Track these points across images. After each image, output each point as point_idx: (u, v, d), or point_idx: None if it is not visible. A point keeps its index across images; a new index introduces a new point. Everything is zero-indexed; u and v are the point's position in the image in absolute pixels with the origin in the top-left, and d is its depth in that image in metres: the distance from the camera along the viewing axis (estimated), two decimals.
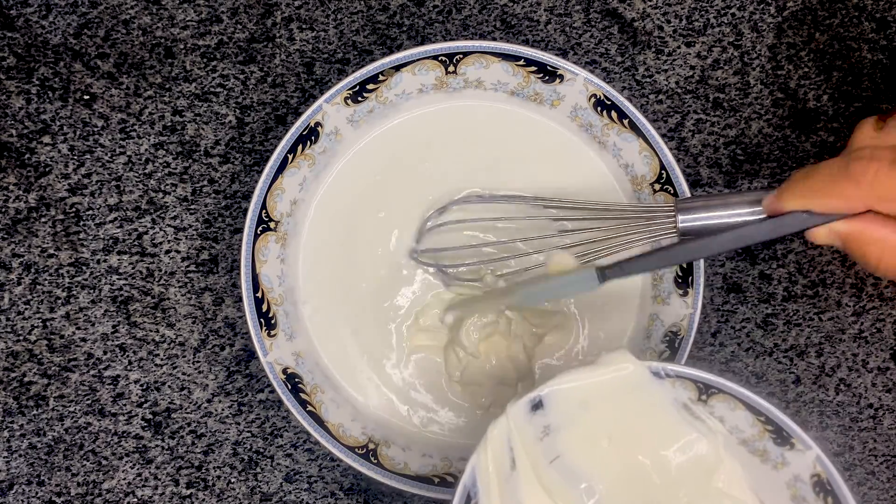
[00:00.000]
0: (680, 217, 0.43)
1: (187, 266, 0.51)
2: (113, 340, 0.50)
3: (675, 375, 0.39)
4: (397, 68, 0.47)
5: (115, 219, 0.51)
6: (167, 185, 0.51)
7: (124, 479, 0.49)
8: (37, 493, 0.49)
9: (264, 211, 0.46)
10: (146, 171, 0.51)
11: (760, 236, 0.38)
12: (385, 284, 0.48)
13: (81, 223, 0.51)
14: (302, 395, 0.46)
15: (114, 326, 0.50)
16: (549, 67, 0.47)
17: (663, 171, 0.47)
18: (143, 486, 0.49)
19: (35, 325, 0.50)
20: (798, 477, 0.38)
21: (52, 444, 0.49)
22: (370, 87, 0.47)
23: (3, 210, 0.51)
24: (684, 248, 0.40)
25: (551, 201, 0.47)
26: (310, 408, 0.46)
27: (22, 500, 0.49)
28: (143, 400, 0.50)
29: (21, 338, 0.50)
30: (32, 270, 0.50)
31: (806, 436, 0.38)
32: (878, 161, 0.34)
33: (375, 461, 0.45)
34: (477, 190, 0.49)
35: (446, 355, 0.48)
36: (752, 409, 0.38)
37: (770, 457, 0.39)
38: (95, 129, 0.51)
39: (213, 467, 0.49)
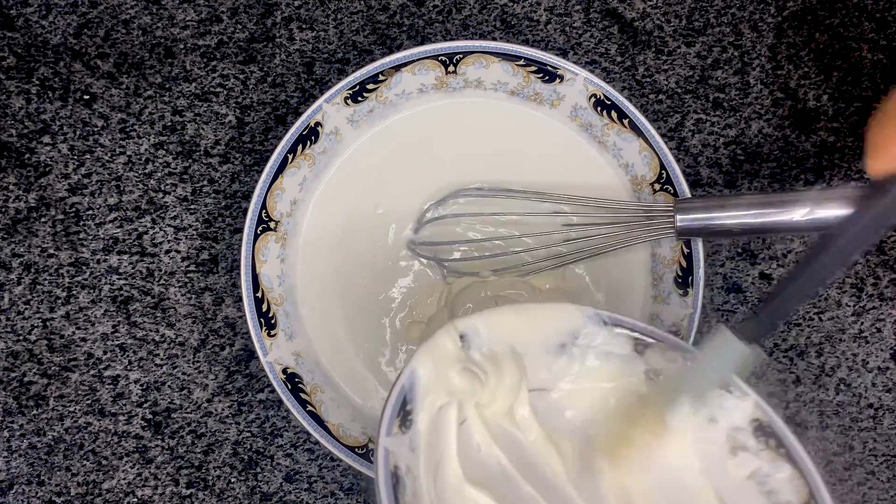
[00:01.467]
0: (678, 217, 0.43)
1: (187, 266, 0.51)
2: (113, 340, 0.50)
3: (613, 324, 0.38)
4: (397, 68, 0.47)
5: (115, 219, 0.51)
6: (167, 185, 0.51)
7: (124, 479, 0.49)
8: (37, 493, 0.49)
9: (264, 211, 0.47)
10: (146, 171, 0.51)
11: (889, 213, 0.33)
12: (381, 277, 0.49)
13: (81, 223, 0.51)
14: (302, 395, 0.46)
15: (114, 326, 0.50)
16: (549, 67, 0.47)
17: (663, 171, 0.47)
18: (143, 486, 0.49)
19: (35, 325, 0.50)
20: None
21: (52, 444, 0.49)
22: (370, 87, 0.47)
23: (3, 210, 0.51)
24: (824, 257, 0.34)
25: (550, 196, 0.47)
26: (310, 408, 0.46)
27: (22, 500, 0.49)
28: (143, 400, 0.50)
29: (21, 338, 0.50)
30: (32, 270, 0.50)
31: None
32: None
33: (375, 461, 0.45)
34: (476, 184, 0.49)
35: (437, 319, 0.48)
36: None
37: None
38: (95, 129, 0.51)
39: (213, 467, 0.49)
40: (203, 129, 0.51)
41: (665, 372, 0.38)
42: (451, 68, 0.48)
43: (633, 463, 0.38)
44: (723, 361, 0.36)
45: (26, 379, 0.50)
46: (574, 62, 0.48)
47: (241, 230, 0.49)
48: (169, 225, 0.51)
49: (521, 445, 0.39)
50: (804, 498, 0.35)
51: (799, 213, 0.41)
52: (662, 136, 0.47)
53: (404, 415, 0.34)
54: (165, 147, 0.51)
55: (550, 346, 0.39)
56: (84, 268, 0.50)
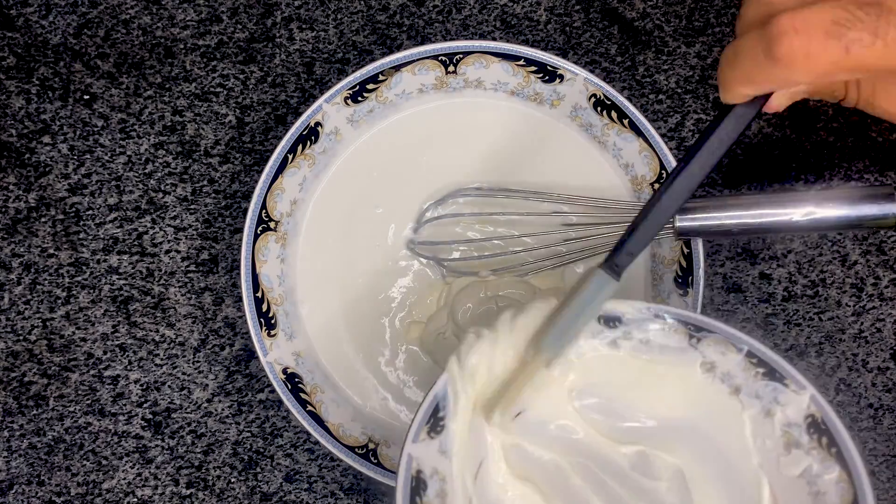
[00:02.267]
0: (678, 217, 0.43)
1: (187, 266, 0.51)
2: (113, 340, 0.50)
3: (666, 317, 0.38)
4: (397, 68, 0.47)
5: (115, 219, 0.51)
6: (167, 185, 0.51)
7: (124, 479, 0.49)
8: (37, 493, 0.49)
9: (264, 211, 0.47)
10: (146, 170, 0.51)
11: (728, 134, 0.35)
12: (380, 277, 0.49)
13: (81, 223, 0.51)
14: (302, 395, 0.46)
15: (114, 326, 0.50)
16: (549, 67, 0.47)
17: (663, 171, 0.47)
18: (143, 486, 0.49)
19: (35, 325, 0.50)
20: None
21: (52, 444, 0.49)
22: (370, 87, 0.47)
23: (3, 210, 0.51)
24: (670, 193, 0.37)
25: (549, 196, 0.47)
26: (310, 408, 0.46)
27: (22, 500, 0.49)
28: (143, 400, 0.50)
29: (21, 338, 0.50)
30: (32, 270, 0.50)
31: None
32: (806, 35, 0.28)
33: (375, 461, 0.45)
34: (476, 184, 0.49)
35: (437, 317, 0.48)
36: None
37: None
38: (95, 129, 0.51)
39: (213, 467, 0.49)
40: (203, 129, 0.51)
41: (718, 365, 0.38)
42: (451, 68, 0.48)
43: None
44: (594, 297, 0.37)
45: (26, 379, 0.50)
46: (574, 62, 0.48)
47: (241, 230, 0.49)
48: (169, 225, 0.51)
49: (570, 439, 0.40)
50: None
51: (798, 214, 0.41)
52: (662, 136, 0.47)
53: (435, 421, 0.36)
54: (165, 147, 0.51)
55: (602, 343, 0.39)
56: (84, 268, 0.50)
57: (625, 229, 0.38)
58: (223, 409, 0.50)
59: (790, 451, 0.37)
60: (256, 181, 0.46)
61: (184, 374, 0.50)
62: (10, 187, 0.51)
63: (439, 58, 0.47)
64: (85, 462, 0.49)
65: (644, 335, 0.39)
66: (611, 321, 0.38)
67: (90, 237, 0.51)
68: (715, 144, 0.36)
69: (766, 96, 0.34)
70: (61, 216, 0.51)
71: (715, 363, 0.38)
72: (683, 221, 0.43)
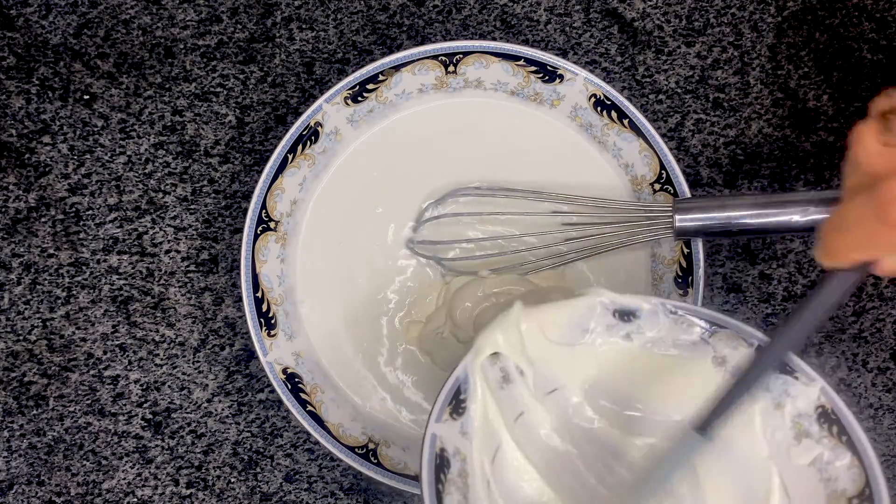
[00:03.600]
0: (677, 217, 0.43)
1: (187, 266, 0.51)
2: (113, 340, 0.50)
3: (677, 312, 0.39)
4: (397, 68, 0.47)
5: (115, 219, 0.51)
6: (167, 185, 0.51)
7: (124, 479, 0.49)
8: (37, 493, 0.49)
9: (264, 211, 0.47)
10: (146, 170, 0.51)
11: (833, 298, 0.35)
12: (379, 277, 0.49)
13: (81, 223, 0.51)
14: (302, 395, 0.46)
15: (114, 326, 0.50)
16: (549, 67, 0.47)
17: (663, 171, 0.47)
18: (143, 486, 0.49)
19: (35, 325, 0.50)
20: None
21: (52, 444, 0.49)
22: (370, 87, 0.47)
23: (3, 210, 0.51)
24: (773, 347, 0.36)
25: (549, 195, 0.47)
26: (310, 408, 0.46)
27: (22, 500, 0.49)
28: (143, 400, 0.50)
29: (21, 338, 0.50)
30: (32, 270, 0.50)
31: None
32: None
33: (375, 461, 0.45)
34: (475, 183, 0.49)
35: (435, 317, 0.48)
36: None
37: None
38: (95, 129, 0.51)
39: (213, 467, 0.49)
40: (203, 129, 0.51)
41: (729, 359, 0.39)
42: (451, 68, 0.48)
43: None
44: (682, 456, 0.37)
45: (26, 379, 0.50)
46: (574, 62, 0.48)
47: (241, 230, 0.49)
48: (169, 225, 0.51)
49: (583, 428, 0.41)
50: (860, 487, 0.36)
51: (798, 214, 0.41)
52: (662, 136, 0.47)
53: (457, 403, 0.37)
54: (165, 147, 0.51)
55: (615, 336, 0.40)
56: (84, 268, 0.50)
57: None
58: (223, 409, 0.50)
59: (800, 440, 0.37)
60: (256, 181, 0.46)
61: (184, 374, 0.50)
62: (10, 187, 0.51)
63: (439, 58, 0.47)
64: (85, 462, 0.49)
65: (658, 330, 0.39)
66: (626, 315, 0.39)
67: (90, 237, 0.51)
68: (819, 309, 0.35)
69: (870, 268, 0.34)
70: (61, 216, 0.51)
71: (726, 357, 0.39)
72: (683, 221, 0.43)
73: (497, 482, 0.38)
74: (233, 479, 0.49)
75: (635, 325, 0.39)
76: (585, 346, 0.40)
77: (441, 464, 0.36)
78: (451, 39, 0.51)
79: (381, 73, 0.47)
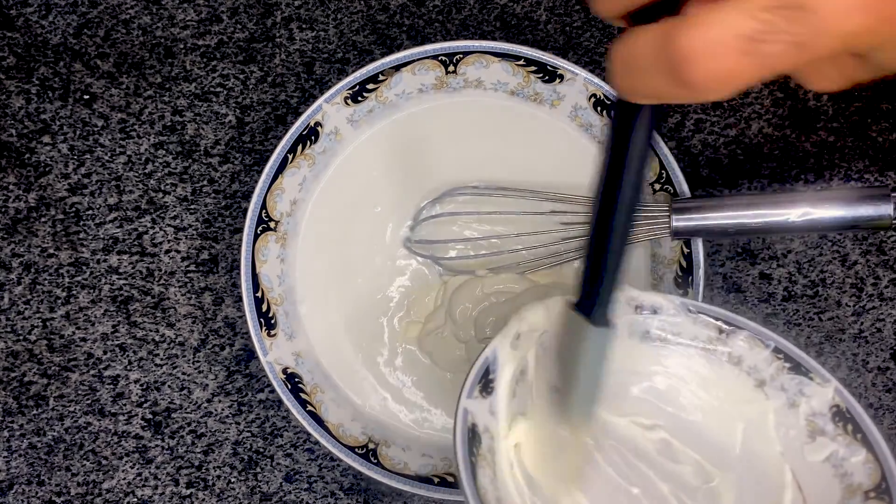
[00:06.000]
0: (674, 217, 0.43)
1: (187, 266, 0.51)
2: (113, 340, 0.50)
3: (697, 312, 0.40)
4: (397, 68, 0.47)
5: (115, 219, 0.51)
6: (167, 184, 0.51)
7: (124, 479, 0.49)
8: (37, 493, 0.49)
9: (264, 211, 0.47)
10: (146, 170, 0.51)
11: (644, 139, 0.29)
12: (379, 277, 0.49)
13: (81, 223, 0.51)
14: (302, 395, 0.46)
15: (114, 326, 0.50)
16: (549, 67, 0.47)
17: (663, 171, 0.47)
18: (143, 486, 0.49)
19: (35, 325, 0.50)
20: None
21: (52, 444, 0.49)
22: (370, 86, 0.47)
23: (3, 210, 0.51)
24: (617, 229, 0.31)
25: (546, 194, 0.47)
26: (310, 408, 0.46)
27: (22, 500, 0.49)
28: (143, 400, 0.50)
29: (21, 338, 0.50)
30: (32, 270, 0.50)
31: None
32: (719, 58, 0.22)
33: (375, 461, 0.45)
34: (474, 183, 0.49)
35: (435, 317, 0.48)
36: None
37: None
38: (95, 129, 0.51)
39: (213, 467, 0.49)
40: (203, 129, 0.51)
41: (742, 358, 0.40)
42: (451, 68, 0.48)
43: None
44: (599, 353, 0.36)
45: (26, 379, 0.50)
46: (574, 62, 0.48)
47: (241, 230, 0.49)
48: (169, 225, 0.51)
49: (600, 420, 0.41)
50: (876, 480, 0.37)
51: (795, 215, 0.41)
52: (662, 136, 0.47)
53: (486, 382, 0.37)
54: (165, 147, 0.51)
55: (634, 333, 0.41)
56: (84, 268, 0.50)
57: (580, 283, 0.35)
58: (223, 409, 0.50)
59: (815, 438, 0.38)
60: (256, 181, 0.46)
61: (184, 374, 0.50)
62: (10, 187, 0.51)
63: (439, 58, 0.47)
64: (85, 462, 0.49)
65: (676, 328, 0.40)
66: (645, 312, 0.40)
67: (90, 237, 0.51)
68: (636, 156, 0.29)
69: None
70: (61, 216, 0.51)
71: (742, 357, 0.40)
72: (679, 221, 0.43)
73: (519, 465, 0.39)
74: (233, 479, 0.49)
75: (656, 322, 0.40)
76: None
77: (473, 438, 0.36)
78: (451, 39, 0.51)
79: (381, 73, 0.47)
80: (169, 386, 0.50)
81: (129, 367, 0.50)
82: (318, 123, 0.47)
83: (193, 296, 0.50)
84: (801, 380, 0.38)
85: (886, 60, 0.25)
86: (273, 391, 0.49)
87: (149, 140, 0.51)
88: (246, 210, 0.46)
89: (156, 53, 0.52)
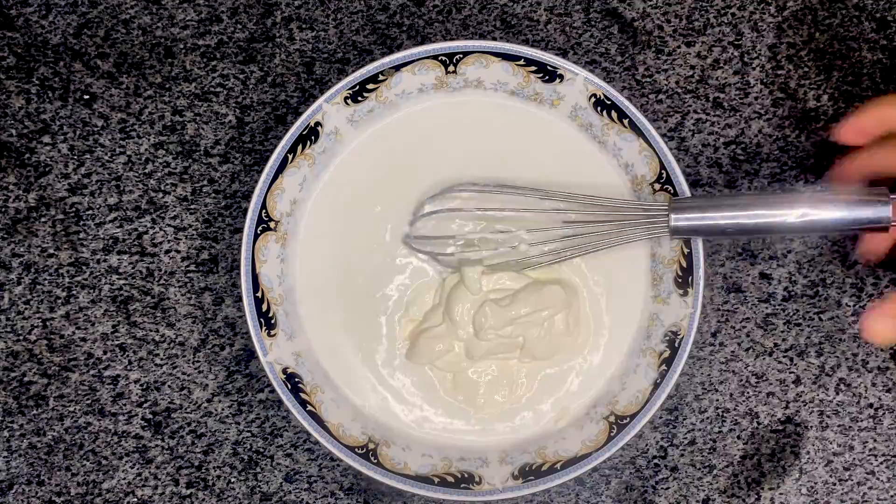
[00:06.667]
0: (673, 216, 0.43)
1: (187, 266, 0.51)
2: (113, 340, 0.50)
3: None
4: (397, 68, 0.47)
5: (115, 219, 0.51)
6: (167, 184, 0.51)
7: (124, 479, 0.49)
8: (37, 493, 0.49)
9: (264, 211, 0.47)
10: (146, 170, 0.51)
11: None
12: (378, 276, 0.49)
13: (81, 223, 0.51)
14: (302, 395, 0.46)
15: (114, 326, 0.50)
16: (549, 67, 0.47)
17: (663, 171, 0.47)
18: (143, 486, 0.49)
19: (35, 325, 0.50)
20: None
21: (52, 444, 0.49)
22: (370, 86, 0.47)
23: (3, 210, 0.51)
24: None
25: (546, 192, 0.47)
26: (310, 408, 0.46)
27: (22, 500, 0.49)
28: (143, 400, 0.50)
29: (21, 338, 0.50)
30: (32, 270, 0.50)
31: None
32: None
33: (375, 461, 0.45)
34: (474, 180, 0.49)
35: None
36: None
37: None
38: (95, 129, 0.51)
39: (213, 467, 0.49)
40: (203, 129, 0.51)
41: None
42: (451, 68, 0.48)
43: None
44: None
45: (26, 379, 0.50)
46: (574, 62, 0.48)
47: (241, 230, 0.49)
48: (169, 225, 0.51)
49: None
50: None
51: (794, 215, 0.41)
52: (662, 136, 0.47)
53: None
54: (165, 147, 0.51)
55: None
56: (84, 268, 0.50)
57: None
58: (223, 409, 0.50)
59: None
60: (256, 181, 0.46)
61: (184, 374, 0.50)
62: (10, 187, 0.51)
63: (439, 58, 0.47)
64: (85, 462, 0.49)
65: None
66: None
67: (90, 237, 0.51)
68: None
69: None
70: (61, 216, 0.51)
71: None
72: (679, 221, 0.43)
73: None
74: (233, 479, 0.49)
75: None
76: None
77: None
78: (451, 39, 0.51)
79: (381, 72, 0.47)
80: (169, 386, 0.50)
81: (129, 367, 0.50)
82: (318, 123, 0.47)
83: (193, 296, 0.50)
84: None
85: None
86: (273, 391, 0.50)
87: (149, 140, 0.51)
88: (246, 210, 0.46)
89: (156, 53, 0.52)
